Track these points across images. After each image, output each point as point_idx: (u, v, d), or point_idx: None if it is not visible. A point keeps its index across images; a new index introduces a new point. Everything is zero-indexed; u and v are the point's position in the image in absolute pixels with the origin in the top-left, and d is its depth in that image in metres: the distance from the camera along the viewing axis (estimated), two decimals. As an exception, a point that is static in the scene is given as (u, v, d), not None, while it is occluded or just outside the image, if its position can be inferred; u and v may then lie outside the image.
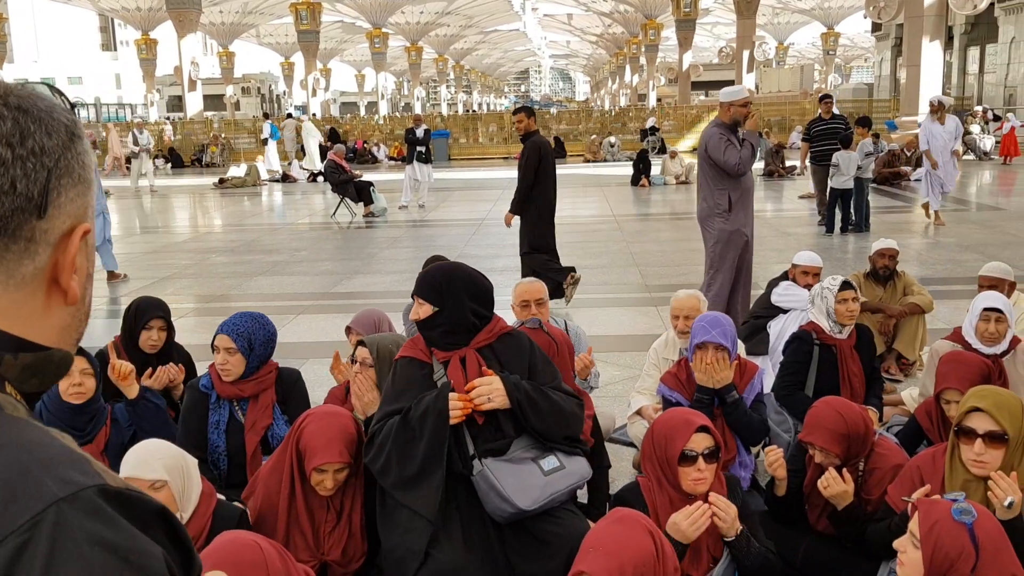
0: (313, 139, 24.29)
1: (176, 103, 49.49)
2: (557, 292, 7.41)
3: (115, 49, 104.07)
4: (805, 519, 3.19)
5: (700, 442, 2.72)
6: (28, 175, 0.74)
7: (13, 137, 0.74)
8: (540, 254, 7.79)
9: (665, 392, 3.80)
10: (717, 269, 6.12)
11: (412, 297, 2.95)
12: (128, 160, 21.54)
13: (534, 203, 7.78)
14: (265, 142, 25.02)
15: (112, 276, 9.69)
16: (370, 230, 13.85)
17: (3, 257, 0.74)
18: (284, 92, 63.79)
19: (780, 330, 5.04)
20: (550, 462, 2.73)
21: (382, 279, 9.54)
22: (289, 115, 33.26)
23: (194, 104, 35.80)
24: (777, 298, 5.28)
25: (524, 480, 2.64)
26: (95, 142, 27.43)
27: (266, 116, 30.35)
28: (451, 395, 2.71)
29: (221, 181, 21.87)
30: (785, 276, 5.52)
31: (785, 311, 5.22)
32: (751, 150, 5.99)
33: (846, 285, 4.25)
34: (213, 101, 47.83)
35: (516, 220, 8.00)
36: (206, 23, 43.52)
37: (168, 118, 38.12)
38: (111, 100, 72.46)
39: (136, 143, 20.36)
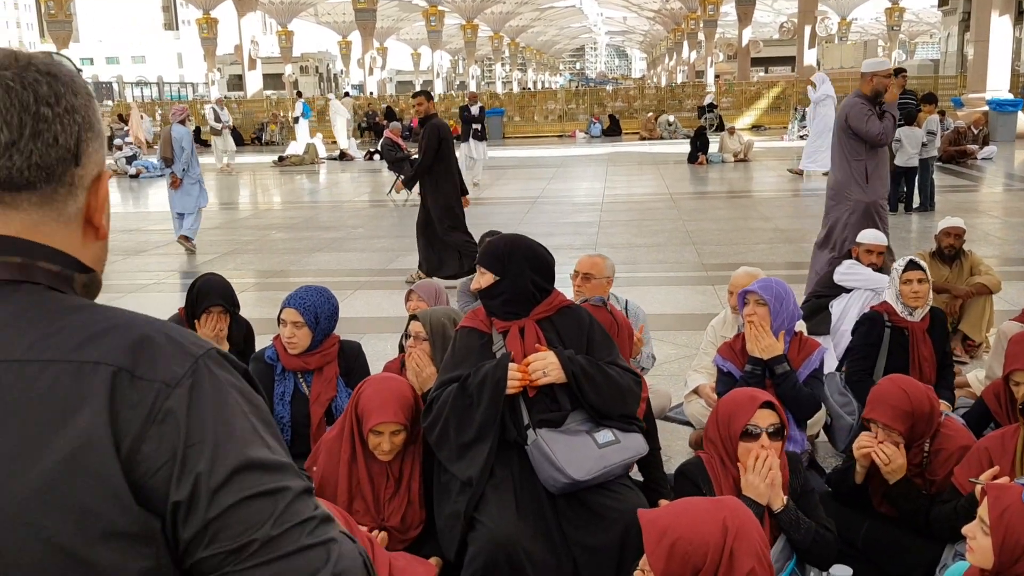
0: (341, 117, 24.26)
1: (236, 82, 50.15)
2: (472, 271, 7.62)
3: (177, 28, 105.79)
4: (868, 501, 3.14)
5: (765, 418, 2.69)
6: (65, 130, 0.90)
7: (51, 98, 0.89)
8: (460, 233, 8.10)
9: (719, 362, 3.79)
10: (847, 238, 6.00)
11: (475, 268, 2.96)
12: (150, 144, 21.75)
13: (442, 183, 8.01)
14: (296, 120, 25.22)
15: (185, 240, 9.99)
16: (426, 207, 13.91)
17: (54, 199, 0.90)
18: (341, 71, 64.23)
19: (842, 310, 4.94)
20: (604, 435, 2.74)
21: (438, 256, 9.58)
22: (347, 93, 33.53)
23: (254, 83, 36.23)
24: (840, 277, 5.17)
25: (578, 451, 2.65)
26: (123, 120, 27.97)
27: (299, 95, 30.58)
28: (509, 365, 2.72)
29: (281, 159, 22.13)
30: (849, 254, 5.40)
31: (848, 290, 5.11)
32: (892, 121, 6.09)
33: (912, 265, 4.14)
34: (272, 80, 48.32)
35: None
36: (265, 2, 43.96)
37: (227, 96, 38.65)
38: (173, 79, 73.75)
39: (218, 120, 20.31)
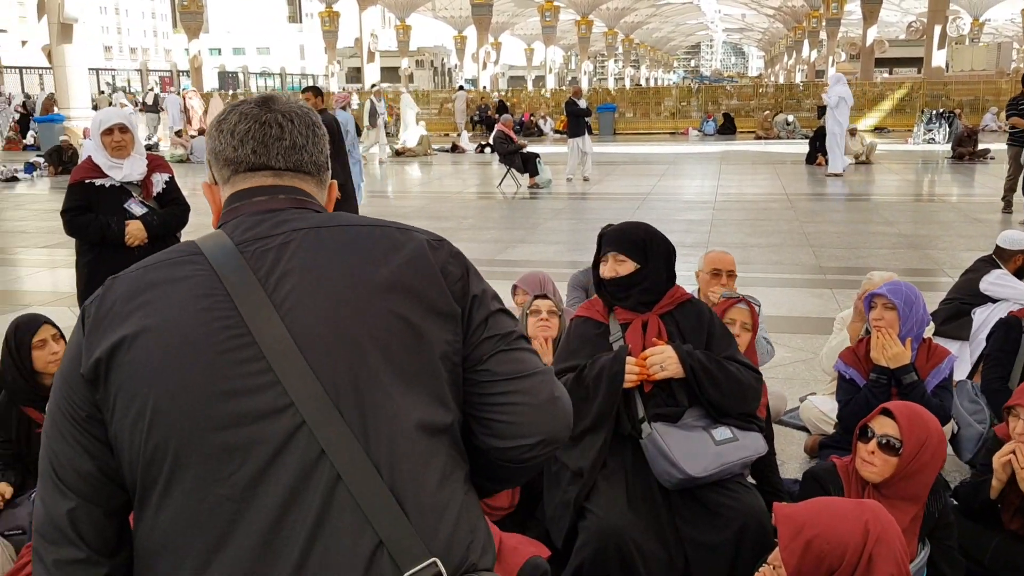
0: (411, 111, 24.31)
1: (355, 74, 51.35)
2: None
3: (300, 21, 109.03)
4: (998, 516, 2.97)
5: (882, 425, 2.56)
6: (324, 147, 1.42)
7: (318, 125, 1.41)
8: None
9: (841, 368, 3.64)
10: None
11: (600, 254, 2.86)
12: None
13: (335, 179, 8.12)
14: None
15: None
16: (534, 201, 13.94)
17: (323, 182, 1.44)
18: (456, 65, 64.93)
19: (985, 319, 4.68)
20: (722, 432, 2.65)
21: (545, 248, 9.59)
22: (461, 87, 33.88)
23: (372, 75, 37.06)
24: (987, 286, 4.87)
25: (694, 447, 2.57)
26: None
27: (373, 86, 30.91)
28: (627, 359, 2.67)
29: (398, 153, 22.39)
30: (990, 261, 5.07)
31: (994, 300, 4.83)
32: None
33: None
34: (389, 73, 49.25)
35: None
36: (385, -4, 44.82)
37: (344, 88, 39.58)
38: (295, 70, 76.06)
39: (375, 111, 20.23)
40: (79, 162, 4.91)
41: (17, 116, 26.23)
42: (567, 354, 2.84)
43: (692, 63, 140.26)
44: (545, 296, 3.50)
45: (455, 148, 23.87)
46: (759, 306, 3.51)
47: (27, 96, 30.20)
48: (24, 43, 66.40)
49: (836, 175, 15.66)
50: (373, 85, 32.58)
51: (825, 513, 1.88)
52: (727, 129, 28.25)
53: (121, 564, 1.25)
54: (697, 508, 2.58)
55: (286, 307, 1.20)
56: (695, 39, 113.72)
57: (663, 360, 2.68)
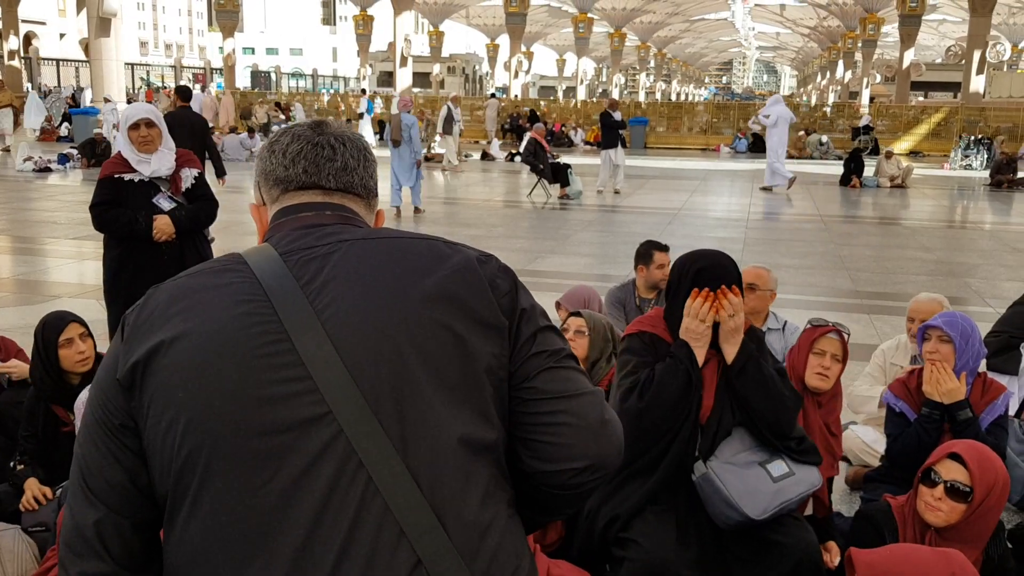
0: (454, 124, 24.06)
1: (386, 78, 51.58)
2: None
3: (334, 24, 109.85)
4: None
5: (950, 471, 2.42)
6: (374, 172, 1.43)
7: (368, 150, 1.41)
8: None
9: (891, 400, 3.48)
10: None
11: (689, 286, 2.59)
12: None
13: None
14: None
15: (417, 211, 12.56)
16: (564, 212, 13.84)
17: (372, 206, 1.43)
18: (487, 73, 65.07)
19: (1037, 353, 4.51)
20: (779, 467, 2.50)
21: (576, 260, 9.49)
22: (492, 95, 33.89)
23: (403, 80, 37.11)
24: None
25: (752, 485, 2.43)
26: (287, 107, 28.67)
27: (363, 92, 30.90)
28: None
29: (427, 159, 22.36)
30: None
31: None
32: None
33: None
34: (420, 79, 49.48)
35: None
36: (420, 2, 45.03)
37: (376, 92, 39.70)
38: (326, 72, 76.53)
39: (451, 118, 20.05)
40: (111, 155, 4.88)
41: (67, 108, 26.45)
42: (627, 373, 2.64)
43: (724, 79, 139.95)
44: (578, 314, 3.37)
45: (485, 156, 23.83)
46: (848, 334, 3.35)
47: (79, 89, 30.48)
48: (62, 36, 67.24)
49: (766, 189, 16.76)
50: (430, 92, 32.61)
51: (909, 563, 1.77)
52: (759, 147, 28.04)
53: None
54: (750, 544, 2.46)
55: (327, 314, 1.17)
56: (727, 56, 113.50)
57: (737, 314, 2.52)
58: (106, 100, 21.67)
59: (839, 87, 57.86)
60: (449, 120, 19.94)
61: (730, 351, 2.55)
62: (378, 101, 21.12)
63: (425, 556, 1.11)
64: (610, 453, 1.26)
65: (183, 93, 10.27)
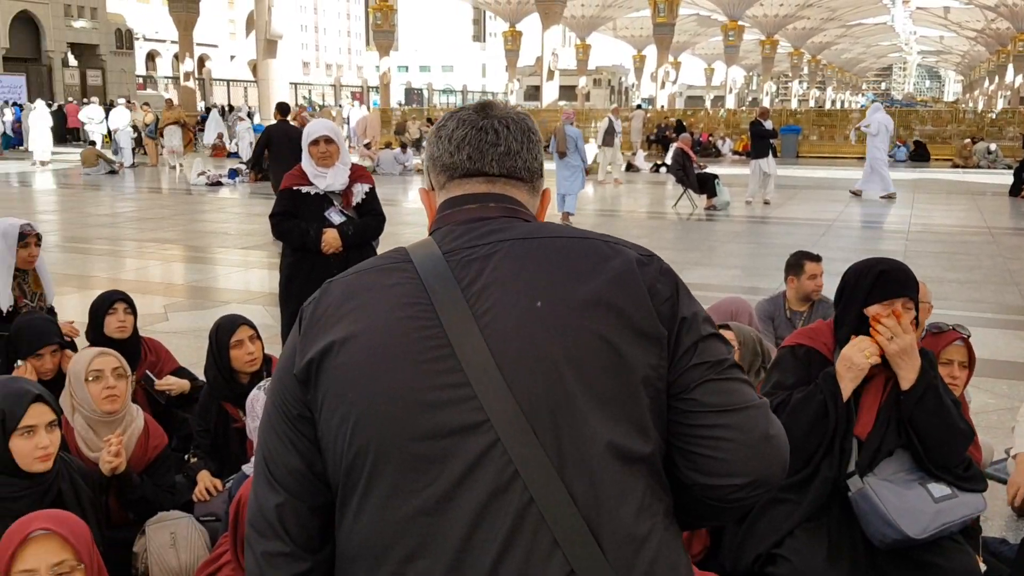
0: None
1: (533, 92, 52.14)
2: None
3: (484, 40, 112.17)
4: None
5: None
6: (539, 153, 1.41)
7: (533, 131, 1.40)
8: None
9: None
10: None
11: (873, 297, 2.46)
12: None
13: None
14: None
15: (565, 217, 12.74)
16: (711, 223, 13.61)
17: (536, 189, 1.42)
18: (633, 84, 64.77)
19: None
20: (940, 488, 2.40)
21: (722, 272, 9.32)
22: (639, 106, 33.72)
23: (550, 94, 37.47)
24: None
25: (911, 504, 2.34)
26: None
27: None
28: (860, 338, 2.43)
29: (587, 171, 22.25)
30: None
31: None
32: None
33: None
34: (565, 92, 49.80)
35: None
36: (567, 16, 45.34)
37: (519, 106, 40.20)
38: (476, 88, 78.20)
39: (613, 131, 19.65)
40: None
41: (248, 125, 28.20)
42: (779, 389, 2.56)
43: (883, 85, 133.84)
44: (726, 326, 3.33)
45: (630, 167, 23.72)
46: (968, 335, 3.18)
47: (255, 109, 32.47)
48: (232, 57, 71.68)
49: (855, 193, 16.81)
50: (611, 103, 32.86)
51: None
52: (919, 156, 26.69)
53: (323, 561, 1.28)
54: (906, 566, 2.37)
55: (486, 320, 1.19)
56: (886, 61, 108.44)
57: (901, 339, 2.37)
58: (240, 119, 22.85)
59: (1008, 92, 54.22)
60: (610, 132, 19.85)
61: (906, 376, 2.42)
62: (619, 120, 20.95)
63: (578, 567, 1.13)
64: (773, 470, 1.23)
65: (283, 109, 11.68)
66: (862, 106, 68.32)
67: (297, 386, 1.25)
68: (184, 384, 3.89)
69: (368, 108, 30.85)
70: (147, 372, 3.85)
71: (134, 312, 3.89)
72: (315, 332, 1.25)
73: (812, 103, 68.18)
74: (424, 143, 23.12)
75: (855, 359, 2.40)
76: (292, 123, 11.97)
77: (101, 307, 3.82)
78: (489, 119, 1.36)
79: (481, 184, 1.35)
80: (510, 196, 1.36)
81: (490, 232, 1.28)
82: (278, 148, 10.84)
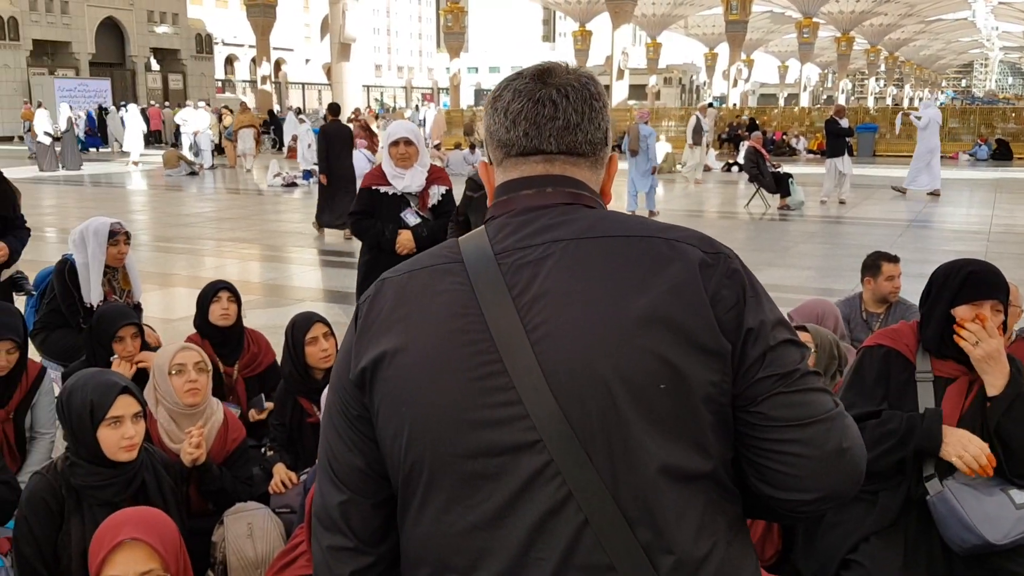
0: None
1: (602, 91, 51.99)
2: None
3: (553, 40, 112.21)
4: None
5: None
6: (604, 121, 1.29)
7: (597, 97, 1.28)
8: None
9: None
10: None
11: (962, 299, 2.39)
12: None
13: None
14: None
15: (651, 214, 12.71)
16: (784, 222, 13.38)
17: (600, 160, 1.32)
18: (704, 82, 64.05)
19: None
20: (1021, 495, 2.32)
21: (796, 273, 9.16)
22: (710, 104, 33.31)
23: (619, 93, 37.26)
24: None
25: (991, 510, 2.28)
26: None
27: (707, 103, 30.38)
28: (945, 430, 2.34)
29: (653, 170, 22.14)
30: None
31: None
32: None
33: None
34: (635, 91, 49.47)
35: None
36: (638, 15, 45.04)
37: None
38: (544, 88, 77.94)
39: (701, 129, 19.85)
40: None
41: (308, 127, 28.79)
42: (861, 390, 2.50)
43: (963, 83, 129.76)
44: (804, 328, 3.28)
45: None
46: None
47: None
48: (307, 61, 73.05)
49: (899, 189, 16.81)
50: (707, 102, 32.65)
51: None
52: (1002, 155, 25.79)
53: (387, 553, 1.29)
54: (984, 573, 2.31)
55: (537, 335, 1.15)
56: (967, 58, 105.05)
57: (987, 343, 2.30)
58: (301, 120, 23.17)
59: (1103, 86, 51.99)
60: (698, 130, 19.67)
61: (995, 382, 2.36)
62: (707, 119, 20.86)
63: None
64: (847, 485, 1.18)
65: (333, 109, 12.18)
66: (941, 103, 66.43)
67: (354, 388, 1.25)
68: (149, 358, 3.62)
69: (440, 109, 31.12)
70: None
71: (238, 301, 4.02)
72: (368, 337, 1.24)
73: (889, 101, 66.42)
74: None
75: (966, 455, 2.31)
76: (346, 123, 12.40)
77: (207, 295, 3.97)
78: (547, 88, 1.27)
79: (539, 164, 1.28)
80: (569, 177, 1.28)
81: (544, 229, 1.23)
82: (334, 146, 11.30)
